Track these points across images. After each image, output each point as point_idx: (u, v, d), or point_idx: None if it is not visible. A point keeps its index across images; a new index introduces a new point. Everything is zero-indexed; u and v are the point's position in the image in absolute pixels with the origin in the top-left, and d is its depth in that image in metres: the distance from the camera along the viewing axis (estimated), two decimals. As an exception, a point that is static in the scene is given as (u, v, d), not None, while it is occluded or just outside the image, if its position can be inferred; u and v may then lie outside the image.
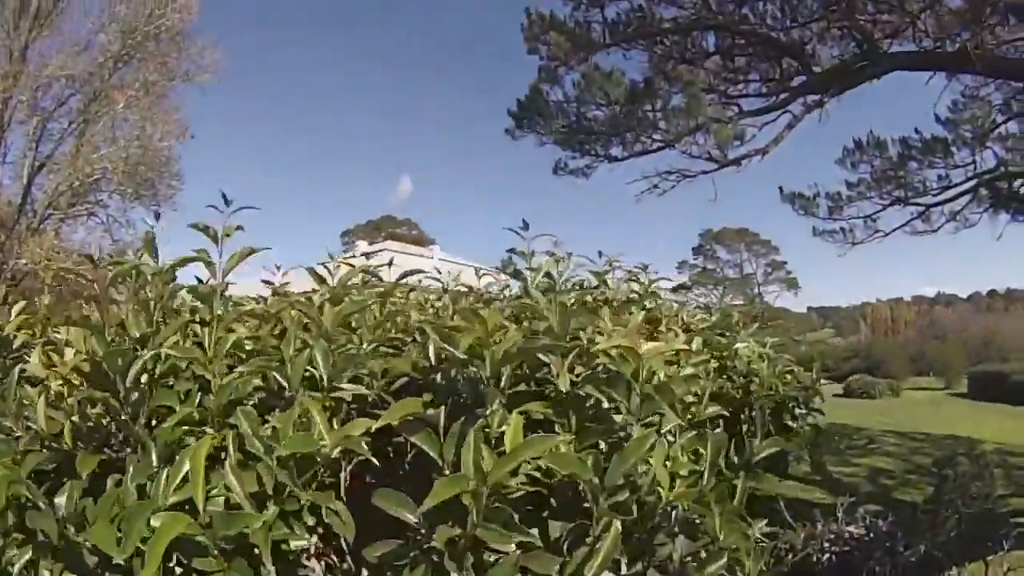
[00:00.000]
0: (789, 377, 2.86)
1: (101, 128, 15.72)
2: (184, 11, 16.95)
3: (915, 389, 24.90)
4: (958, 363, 26.05)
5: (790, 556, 4.43)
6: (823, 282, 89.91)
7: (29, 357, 1.61)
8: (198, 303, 1.65)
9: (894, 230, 11.57)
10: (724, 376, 2.47)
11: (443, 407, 1.38)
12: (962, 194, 10.73)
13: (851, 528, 4.43)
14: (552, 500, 1.37)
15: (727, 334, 2.73)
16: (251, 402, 1.45)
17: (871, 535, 4.34)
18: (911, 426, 12.98)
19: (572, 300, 1.97)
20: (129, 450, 1.39)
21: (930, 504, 4.64)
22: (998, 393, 20.05)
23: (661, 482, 1.34)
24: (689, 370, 1.81)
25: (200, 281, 1.75)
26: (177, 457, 1.20)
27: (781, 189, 11.79)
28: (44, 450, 1.34)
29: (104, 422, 1.45)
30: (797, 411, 2.84)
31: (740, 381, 2.52)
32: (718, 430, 1.58)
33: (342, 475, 1.43)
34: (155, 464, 1.25)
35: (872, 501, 6.31)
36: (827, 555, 4.28)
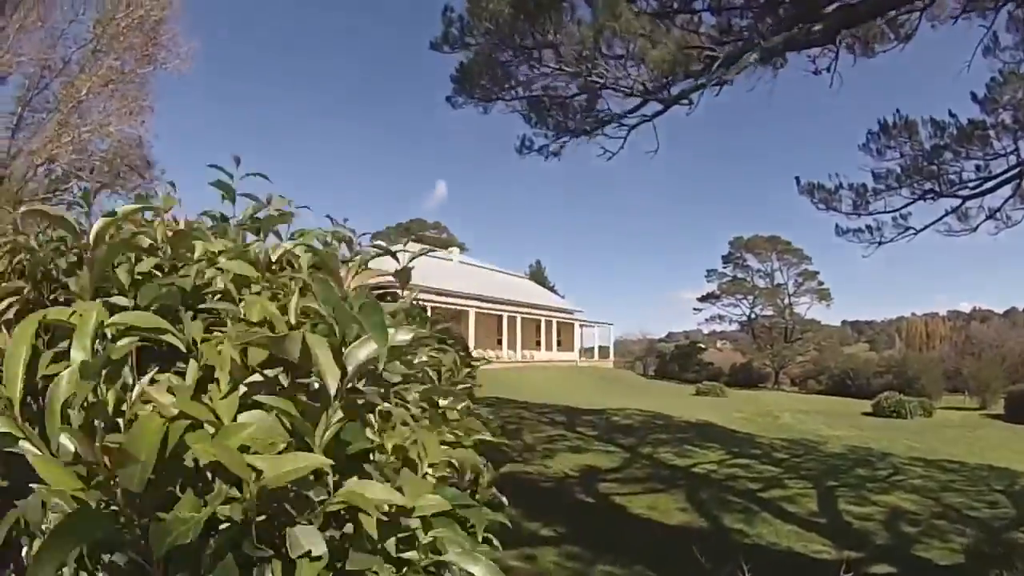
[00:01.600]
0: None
1: (67, 116, 15.10)
2: (161, -1, 16.45)
3: (949, 408, 23.39)
4: (995, 382, 24.36)
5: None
6: (858, 296, 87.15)
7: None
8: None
9: (926, 227, 10.18)
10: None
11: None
12: (1002, 184, 9.30)
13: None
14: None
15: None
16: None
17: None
18: (943, 452, 11.51)
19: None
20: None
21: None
22: (1038, 415, 18.54)
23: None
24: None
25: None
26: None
27: (798, 180, 10.52)
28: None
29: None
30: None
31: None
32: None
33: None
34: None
35: (884, 559, 4.92)
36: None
